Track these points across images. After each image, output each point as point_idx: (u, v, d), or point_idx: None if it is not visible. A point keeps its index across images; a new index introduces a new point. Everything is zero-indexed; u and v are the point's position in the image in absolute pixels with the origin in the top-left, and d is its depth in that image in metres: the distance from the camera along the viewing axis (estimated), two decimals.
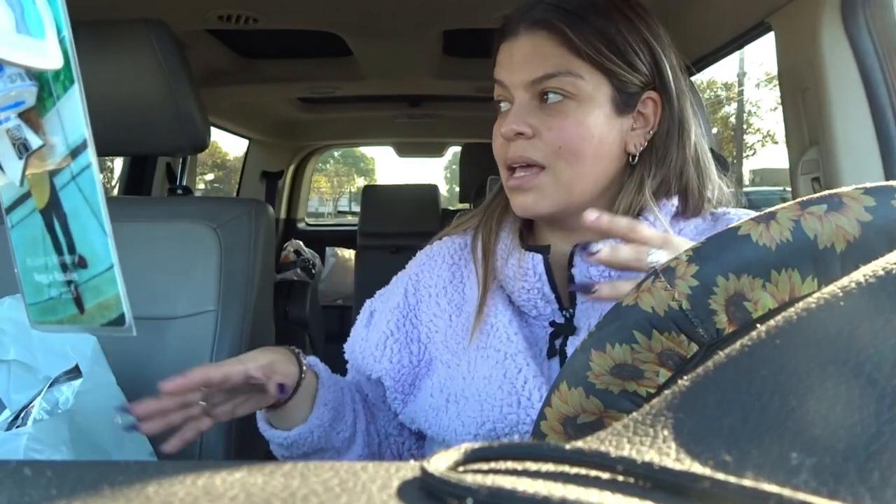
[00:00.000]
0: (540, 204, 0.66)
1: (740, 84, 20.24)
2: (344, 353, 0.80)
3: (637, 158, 0.68)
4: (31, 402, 0.73)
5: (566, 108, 0.65)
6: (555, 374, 0.66)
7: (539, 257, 0.67)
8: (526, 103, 0.66)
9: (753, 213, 0.69)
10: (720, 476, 0.19)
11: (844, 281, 0.24)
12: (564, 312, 0.68)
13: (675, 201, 0.69)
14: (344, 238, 3.34)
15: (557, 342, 0.67)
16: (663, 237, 0.54)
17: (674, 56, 0.69)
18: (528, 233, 0.75)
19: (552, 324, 0.68)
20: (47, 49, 0.27)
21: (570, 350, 0.66)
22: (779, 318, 0.24)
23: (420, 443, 0.79)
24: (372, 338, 0.76)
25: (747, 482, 0.18)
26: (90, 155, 0.28)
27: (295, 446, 0.70)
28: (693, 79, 1.55)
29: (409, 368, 0.74)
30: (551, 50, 0.64)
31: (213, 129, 1.58)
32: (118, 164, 2.37)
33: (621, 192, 0.68)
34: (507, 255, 0.70)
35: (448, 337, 0.72)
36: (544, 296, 0.67)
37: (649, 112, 0.68)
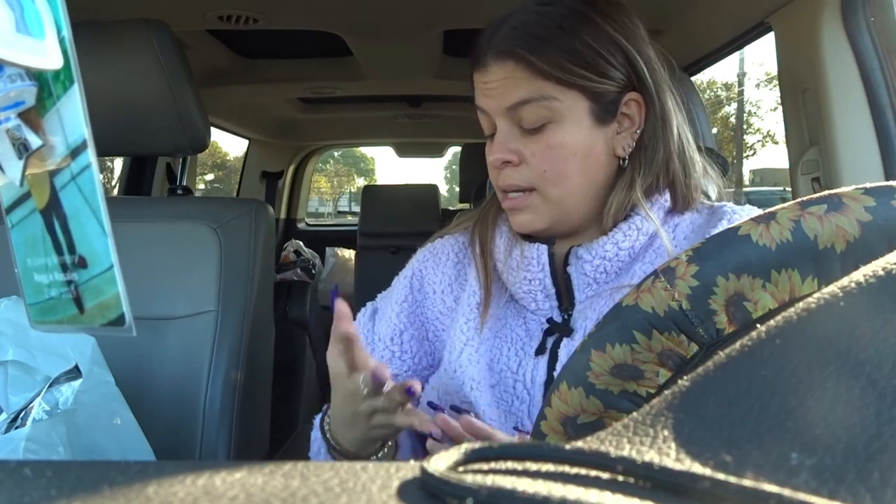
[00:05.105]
0: (536, 221, 0.67)
1: (740, 84, 20.26)
2: None
3: (627, 159, 0.68)
4: (30, 403, 0.73)
5: (546, 130, 0.64)
6: (539, 372, 0.66)
7: (543, 247, 0.68)
8: (507, 130, 0.66)
9: (750, 207, 0.69)
10: (720, 476, 0.19)
11: (844, 281, 0.24)
12: (563, 313, 0.68)
13: (666, 196, 0.69)
14: (344, 238, 3.34)
15: (550, 340, 0.67)
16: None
17: (649, 48, 0.68)
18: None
19: (549, 321, 0.68)
20: (47, 49, 0.27)
21: (562, 352, 0.65)
22: (779, 318, 0.24)
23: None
24: (382, 331, 0.75)
25: (747, 482, 0.18)
26: (90, 155, 0.28)
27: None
28: (693, 79, 1.55)
29: (429, 371, 0.74)
30: (521, 76, 0.64)
31: (213, 129, 1.58)
32: (118, 164, 2.37)
33: (612, 192, 0.67)
34: (509, 248, 0.70)
35: (453, 336, 0.72)
36: (545, 288, 0.67)
37: (633, 112, 0.67)
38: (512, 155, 0.65)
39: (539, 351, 0.67)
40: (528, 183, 0.66)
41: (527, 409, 0.64)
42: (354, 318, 0.80)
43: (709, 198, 0.72)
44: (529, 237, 0.71)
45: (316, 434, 0.69)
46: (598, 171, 0.67)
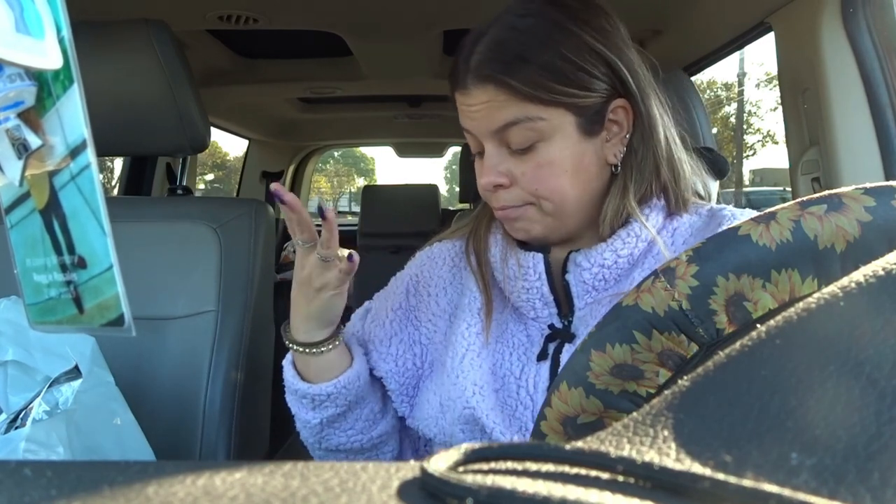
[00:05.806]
0: (534, 229, 0.67)
1: (740, 84, 20.27)
2: None
3: (619, 166, 0.67)
4: (30, 403, 0.73)
5: (535, 149, 0.64)
6: (542, 378, 0.66)
7: (539, 256, 0.68)
8: (495, 152, 0.65)
9: (750, 211, 0.69)
10: (720, 476, 0.19)
11: (844, 281, 0.24)
12: (563, 319, 0.68)
13: (662, 201, 0.69)
14: (344, 238, 3.33)
15: (552, 346, 0.67)
16: None
17: (631, 51, 0.66)
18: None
19: (550, 327, 0.68)
20: (47, 49, 0.27)
21: (564, 357, 0.65)
22: (779, 318, 0.24)
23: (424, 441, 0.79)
24: (373, 331, 0.76)
25: (747, 482, 0.18)
26: (90, 155, 0.28)
27: (338, 396, 0.70)
28: (693, 79, 1.55)
29: (412, 371, 0.74)
30: (504, 99, 0.62)
31: (213, 129, 1.58)
32: (118, 164, 2.37)
33: (606, 198, 0.67)
34: (504, 258, 0.70)
35: (447, 337, 0.72)
36: (543, 296, 0.67)
37: (621, 118, 0.66)
38: (503, 178, 0.65)
39: (541, 357, 0.66)
40: (522, 201, 0.66)
41: (531, 415, 0.64)
42: (349, 319, 0.80)
43: (700, 197, 0.72)
44: (524, 245, 0.71)
45: (286, 365, 0.74)
46: (591, 181, 0.66)
